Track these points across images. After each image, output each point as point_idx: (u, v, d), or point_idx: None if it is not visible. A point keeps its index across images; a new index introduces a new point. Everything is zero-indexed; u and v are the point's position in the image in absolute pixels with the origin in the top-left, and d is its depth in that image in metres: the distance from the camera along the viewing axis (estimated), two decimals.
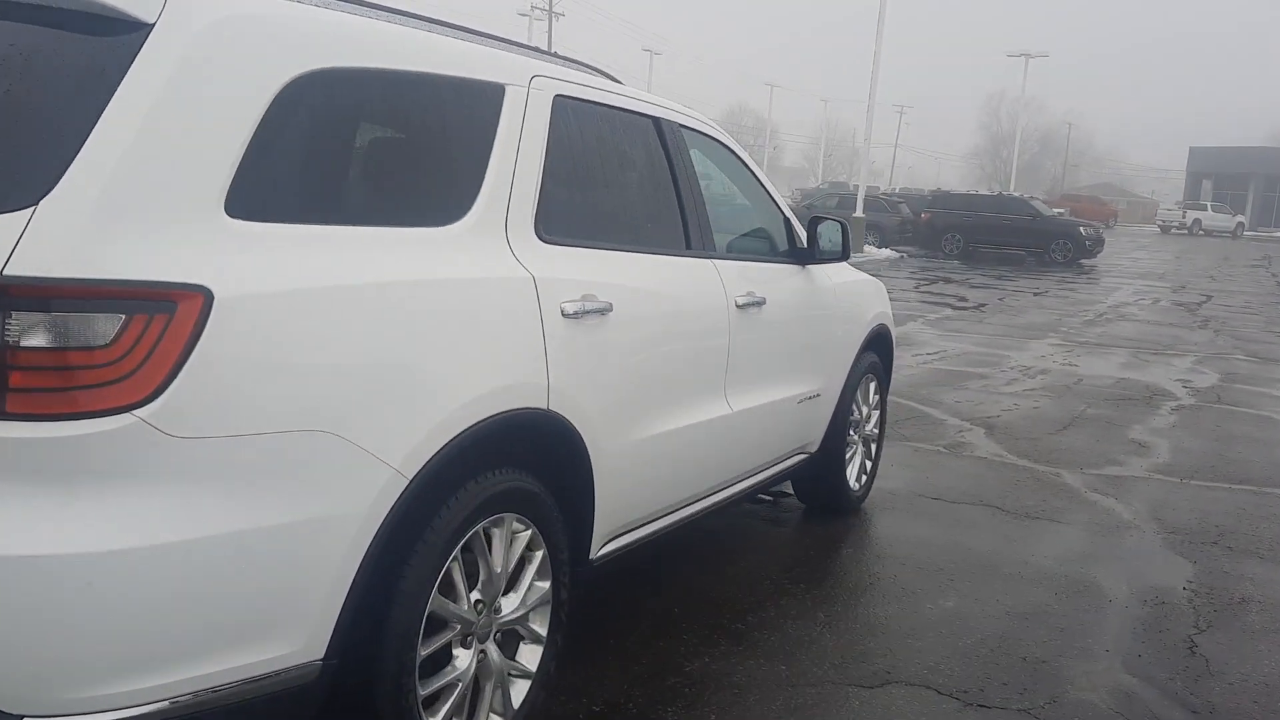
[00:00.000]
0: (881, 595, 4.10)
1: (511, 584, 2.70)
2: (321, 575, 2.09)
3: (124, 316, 1.78)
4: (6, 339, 1.72)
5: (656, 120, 3.57)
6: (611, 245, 3.17)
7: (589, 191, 3.26)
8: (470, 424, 2.38)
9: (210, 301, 1.87)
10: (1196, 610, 4.09)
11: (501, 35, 3.15)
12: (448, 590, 2.45)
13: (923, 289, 18.43)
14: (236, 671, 1.97)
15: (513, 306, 2.60)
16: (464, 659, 2.53)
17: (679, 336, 3.39)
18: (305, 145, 2.22)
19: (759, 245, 4.33)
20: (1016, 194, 35.05)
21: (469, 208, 2.59)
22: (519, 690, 2.75)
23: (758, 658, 3.45)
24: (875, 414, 5.28)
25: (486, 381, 2.46)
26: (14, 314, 1.72)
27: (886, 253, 26.16)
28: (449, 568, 2.43)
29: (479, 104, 2.70)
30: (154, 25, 1.95)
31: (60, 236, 1.76)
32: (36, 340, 1.73)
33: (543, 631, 2.81)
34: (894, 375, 5.67)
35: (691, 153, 3.78)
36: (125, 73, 1.89)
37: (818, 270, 4.49)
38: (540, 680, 2.81)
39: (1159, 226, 60.74)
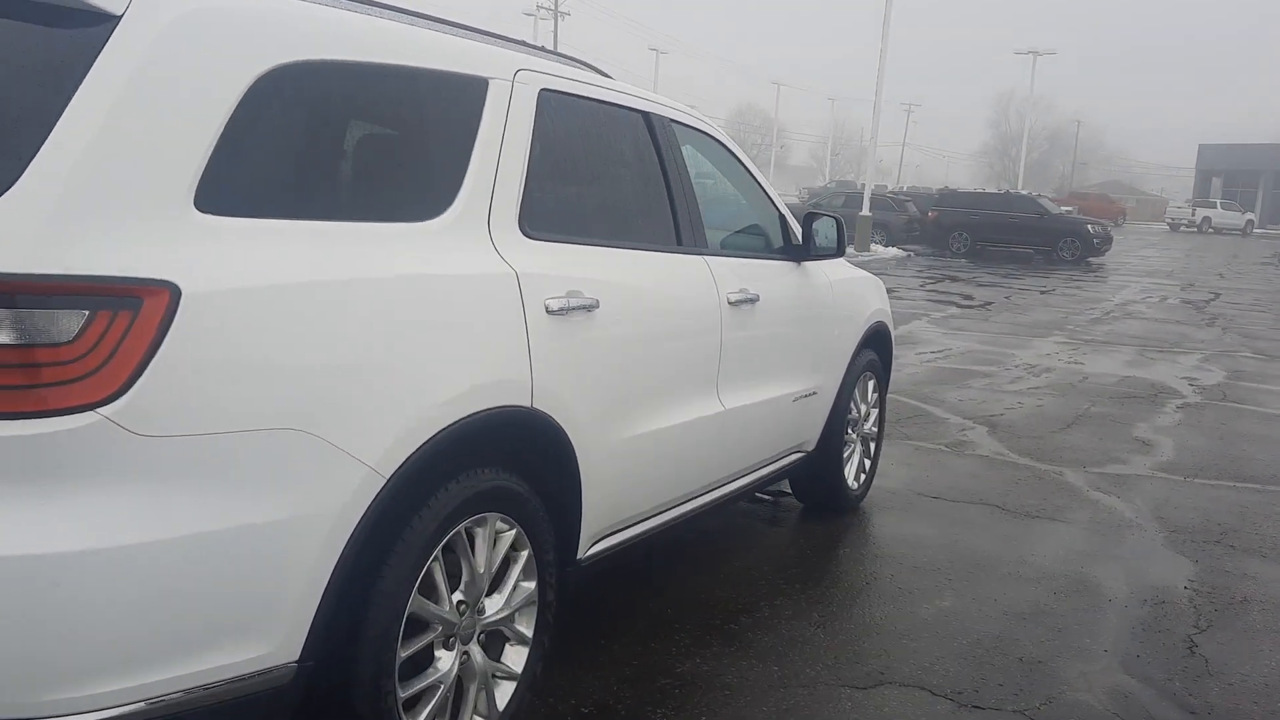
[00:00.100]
0: (878, 595, 4.06)
1: (496, 585, 2.66)
2: (295, 576, 2.06)
3: (87, 313, 1.75)
4: None
5: (647, 115, 3.53)
6: (599, 241, 3.13)
7: (576, 187, 3.22)
8: (450, 422, 2.34)
9: (178, 297, 1.84)
10: (1197, 610, 4.04)
11: (489, 30, 3.12)
12: (429, 591, 2.42)
13: (929, 287, 18.36)
14: (206, 675, 1.94)
15: (494, 302, 2.57)
16: (446, 661, 2.49)
17: (669, 334, 3.36)
18: (280, 139, 2.18)
19: (753, 242, 4.29)
20: (1024, 192, 34.96)
21: (450, 203, 2.56)
22: (504, 692, 2.72)
23: (750, 659, 3.41)
24: (874, 412, 5.23)
25: (467, 379, 2.42)
26: None
27: (893, 251, 26.09)
28: (430, 568, 2.39)
29: (461, 98, 2.66)
30: (121, 18, 1.92)
31: (23, 232, 1.73)
32: None
33: (529, 633, 2.78)
34: (897, 374, 5.64)
35: (684, 149, 3.75)
36: (91, 65, 1.86)
37: (813, 267, 4.45)
38: (526, 682, 2.78)
39: (1168, 224, 60.53)
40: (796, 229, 4.39)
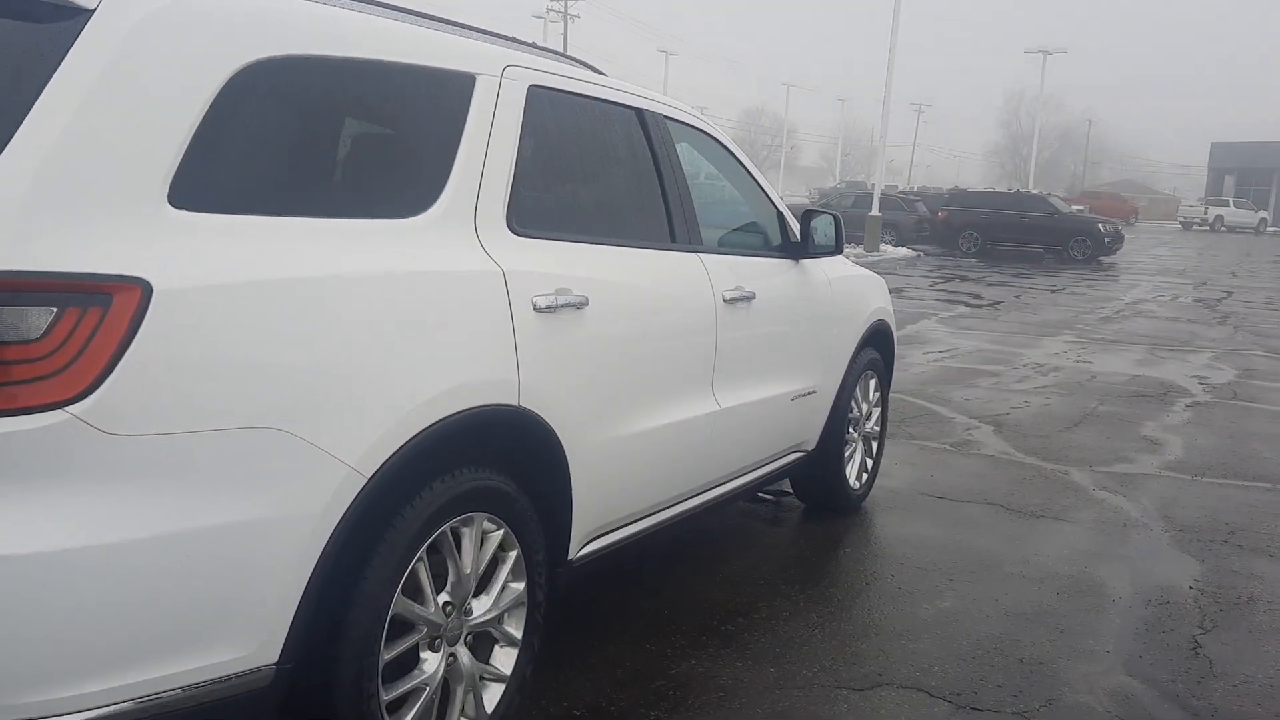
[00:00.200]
0: (878, 596, 4.02)
1: (483, 585, 2.63)
2: (274, 577, 2.03)
3: (55, 310, 1.72)
4: None
5: (640, 112, 3.50)
6: (590, 239, 3.10)
7: (566, 183, 3.19)
8: (433, 421, 2.31)
9: (149, 294, 1.81)
10: (1202, 610, 3.98)
11: (478, 27, 3.09)
12: (413, 592, 2.39)
13: (938, 287, 18.28)
14: (182, 677, 1.91)
15: (480, 300, 2.53)
16: (432, 662, 2.46)
17: (662, 332, 3.32)
18: (257, 135, 2.16)
19: (750, 240, 4.25)
20: (1034, 191, 34.78)
21: (435, 199, 2.53)
22: (492, 694, 2.69)
23: (747, 660, 3.37)
24: (876, 411, 5.19)
25: (451, 377, 2.39)
26: None
27: (903, 251, 25.98)
28: (414, 569, 2.36)
29: (446, 93, 2.63)
30: (94, 11, 1.90)
31: None
32: None
33: (518, 634, 2.75)
34: (903, 373, 5.60)
35: (679, 146, 3.71)
36: (63, 59, 1.84)
37: (812, 265, 4.41)
38: (515, 684, 2.74)
39: (1180, 223, 60.21)
40: (795, 227, 4.35)
